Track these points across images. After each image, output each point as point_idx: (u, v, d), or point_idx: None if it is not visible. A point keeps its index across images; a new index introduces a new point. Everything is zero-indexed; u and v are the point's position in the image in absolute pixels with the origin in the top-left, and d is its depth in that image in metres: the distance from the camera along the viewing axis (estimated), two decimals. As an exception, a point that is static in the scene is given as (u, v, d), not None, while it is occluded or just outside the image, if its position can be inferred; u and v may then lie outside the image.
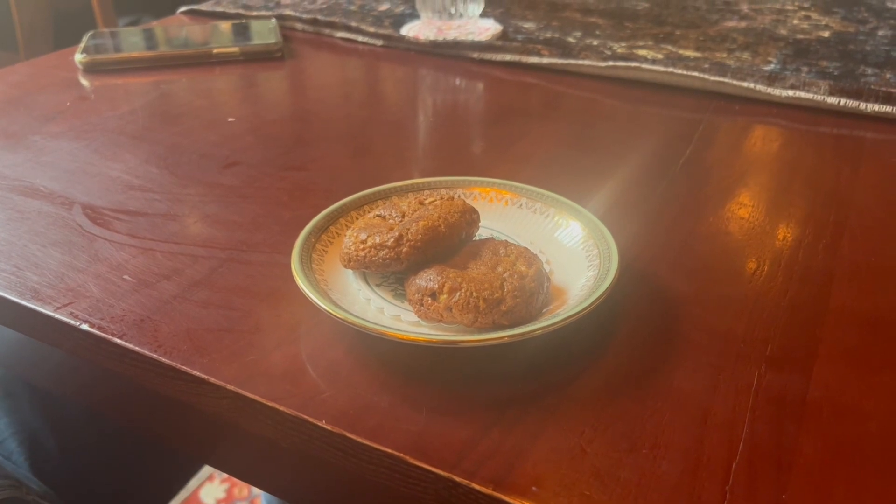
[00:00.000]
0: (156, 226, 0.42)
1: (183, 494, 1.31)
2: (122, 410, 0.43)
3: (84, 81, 0.66)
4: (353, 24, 0.76)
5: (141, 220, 0.43)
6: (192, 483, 1.33)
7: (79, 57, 0.67)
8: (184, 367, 0.32)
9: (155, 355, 0.33)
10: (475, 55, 0.70)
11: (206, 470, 1.35)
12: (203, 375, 0.31)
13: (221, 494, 1.31)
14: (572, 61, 0.66)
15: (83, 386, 0.44)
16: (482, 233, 0.39)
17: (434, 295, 0.31)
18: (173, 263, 0.39)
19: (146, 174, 0.49)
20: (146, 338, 0.34)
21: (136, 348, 0.33)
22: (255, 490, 1.32)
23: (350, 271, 0.36)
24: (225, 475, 1.35)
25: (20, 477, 0.54)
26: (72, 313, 0.35)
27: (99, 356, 0.35)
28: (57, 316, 0.35)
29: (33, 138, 0.54)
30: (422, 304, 0.32)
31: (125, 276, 0.38)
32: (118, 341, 0.33)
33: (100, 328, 0.34)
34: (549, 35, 0.73)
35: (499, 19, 0.79)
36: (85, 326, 0.34)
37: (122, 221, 0.43)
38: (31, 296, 0.36)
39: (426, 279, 0.32)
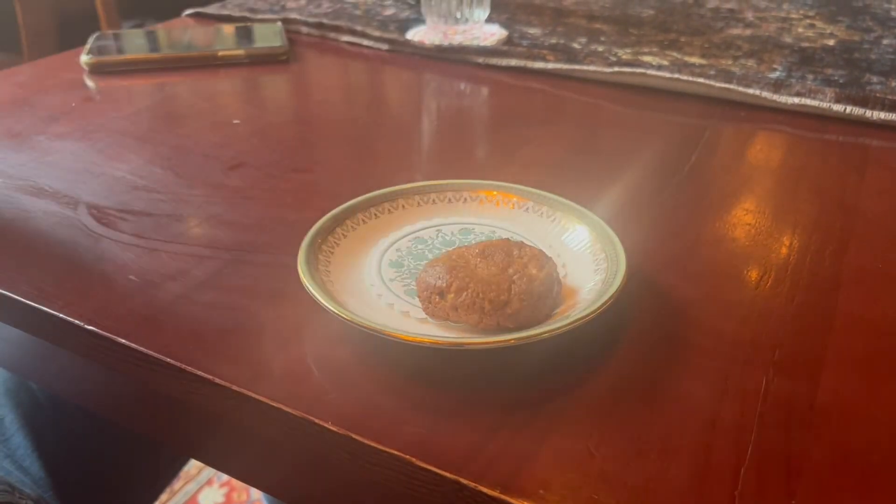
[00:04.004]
0: (161, 226, 0.42)
1: (182, 499, 1.31)
2: (125, 410, 0.43)
3: (89, 82, 0.66)
4: (359, 28, 0.77)
5: (146, 220, 0.43)
6: (191, 487, 1.33)
7: (84, 58, 0.67)
8: (189, 368, 0.32)
9: (160, 355, 0.32)
10: (480, 60, 0.70)
11: (206, 474, 1.35)
12: (208, 376, 0.31)
13: (220, 499, 1.31)
14: (577, 67, 0.66)
15: (87, 386, 0.44)
16: (499, 233, 0.39)
17: (442, 293, 0.31)
18: (178, 264, 0.39)
19: (151, 175, 0.49)
20: (151, 338, 0.33)
21: (141, 348, 0.33)
22: (254, 494, 1.32)
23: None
24: (224, 479, 1.35)
25: (13, 481, 0.54)
26: (77, 313, 0.35)
27: (103, 356, 0.35)
28: (62, 315, 0.35)
29: (38, 138, 0.54)
30: (430, 302, 0.32)
31: (130, 276, 0.38)
32: (123, 341, 0.33)
33: (105, 328, 0.34)
34: (554, 41, 0.73)
35: (504, 24, 0.79)
36: (90, 326, 0.34)
37: (127, 221, 0.43)
38: (36, 295, 0.36)
39: (435, 277, 0.32)
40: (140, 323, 0.34)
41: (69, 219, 0.43)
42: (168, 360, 0.32)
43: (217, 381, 0.31)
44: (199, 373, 0.31)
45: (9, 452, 0.57)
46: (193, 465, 1.34)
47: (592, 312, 0.31)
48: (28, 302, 0.36)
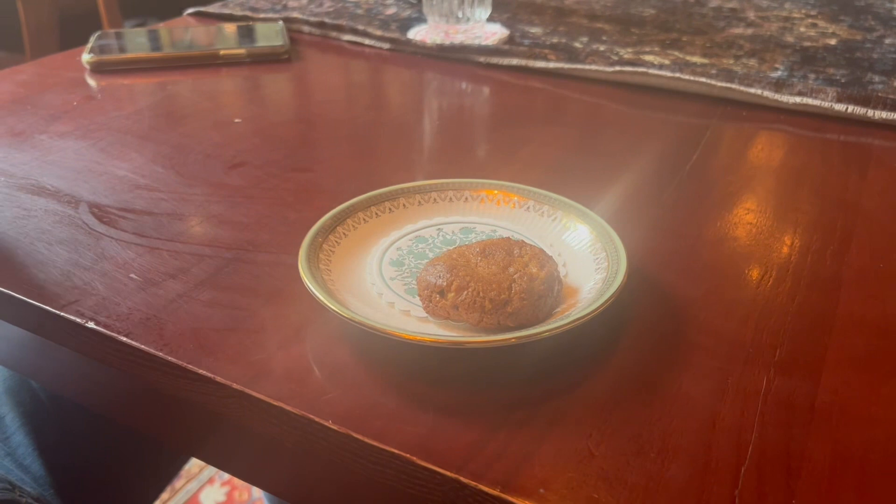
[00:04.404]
0: (162, 225, 0.42)
1: (183, 497, 1.31)
2: (125, 409, 0.43)
3: (91, 81, 0.66)
4: (360, 27, 0.77)
5: (147, 219, 0.43)
6: (193, 486, 1.33)
7: (86, 57, 0.67)
8: (189, 366, 0.32)
9: (161, 354, 0.32)
10: (482, 59, 0.70)
11: (207, 473, 1.35)
12: (209, 374, 0.31)
13: (222, 498, 1.31)
14: (579, 66, 0.66)
15: (87, 384, 0.44)
16: (500, 232, 0.39)
17: (442, 292, 0.31)
18: (179, 262, 0.39)
19: (152, 174, 0.49)
20: (152, 336, 0.33)
21: (142, 347, 0.33)
22: (256, 493, 1.32)
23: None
24: (226, 478, 1.35)
25: (14, 479, 0.54)
26: (78, 311, 0.35)
27: (104, 354, 0.35)
28: (63, 314, 0.35)
29: (40, 137, 0.54)
30: (430, 301, 0.32)
31: (131, 275, 0.38)
32: (124, 339, 0.33)
33: (106, 326, 0.34)
34: (555, 40, 0.73)
35: (505, 24, 0.79)
36: (91, 324, 0.34)
37: (128, 220, 0.43)
38: (38, 294, 0.36)
39: (436, 276, 0.32)
40: (141, 321, 0.34)
41: (70, 217, 0.43)
42: (169, 358, 0.32)
43: (217, 379, 0.31)
44: (200, 371, 0.31)
45: (9, 451, 0.57)
46: (195, 463, 1.34)
47: (593, 312, 0.31)
48: (29, 300, 0.36)
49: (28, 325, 0.38)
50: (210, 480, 1.34)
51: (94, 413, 0.58)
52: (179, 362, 0.32)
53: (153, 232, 0.42)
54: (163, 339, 0.33)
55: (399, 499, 0.29)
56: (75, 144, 0.53)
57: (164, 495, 1.29)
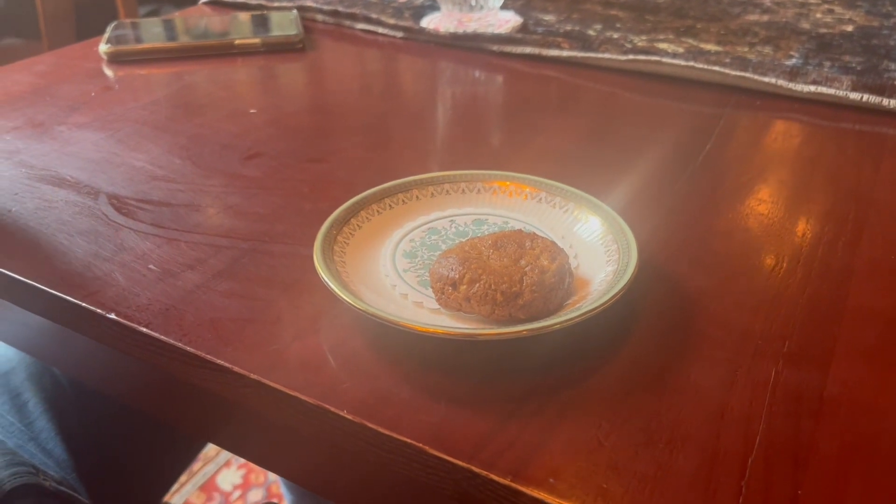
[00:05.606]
0: (179, 216, 0.43)
1: (200, 480, 1.33)
2: (144, 397, 0.44)
3: (108, 72, 0.66)
4: (374, 15, 0.77)
5: (165, 210, 0.44)
6: (210, 468, 1.35)
7: (103, 48, 0.68)
8: (208, 357, 0.32)
9: (180, 344, 0.33)
10: (495, 48, 0.70)
11: (224, 456, 1.37)
12: (227, 364, 0.32)
13: (238, 480, 1.33)
14: (592, 54, 0.66)
15: (107, 372, 0.45)
16: (512, 224, 0.40)
17: (455, 285, 0.32)
18: (197, 253, 0.40)
19: (169, 164, 0.49)
20: (171, 327, 0.34)
21: (162, 337, 0.34)
22: (272, 476, 1.33)
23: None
24: (242, 461, 1.37)
25: (38, 464, 0.55)
26: (99, 302, 0.36)
27: (125, 344, 0.35)
28: (84, 305, 0.36)
29: (59, 128, 0.55)
30: (443, 293, 0.32)
31: (150, 266, 0.39)
32: (144, 330, 0.34)
33: (126, 317, 0.35)
34: (569, 28, 0.73)
35: (519, 11, 0.79)
36: (112, 315, 0.35)
37: (147, 211, 0.44)
38: (59, 284, 0.37)
39: (448, 268, 0.32)
40: (160, 312, 0.35)
41: (90, 208, 0.44)
42: (188, 349, 0.33)
43: (235, 369, 0.32)
44: (218, 361, 0.32)
45: (33, 436, 0.58)
46: (212, 446, 1.36)
47: (603, 304, 0.31)
48: (51, 290, 0.37)
49: (50, 315, 0.39)
50: (227, 463, 1.36)
51: (115, 399, 0.59)
52: (198, 352, 0.33)
53: (171, 223, 0.42)
54: (182, 329, 0.34)
55: (411, 487, 0.30)
56: (94, 135, 0.53)
57: (182, 478, 1.32)
